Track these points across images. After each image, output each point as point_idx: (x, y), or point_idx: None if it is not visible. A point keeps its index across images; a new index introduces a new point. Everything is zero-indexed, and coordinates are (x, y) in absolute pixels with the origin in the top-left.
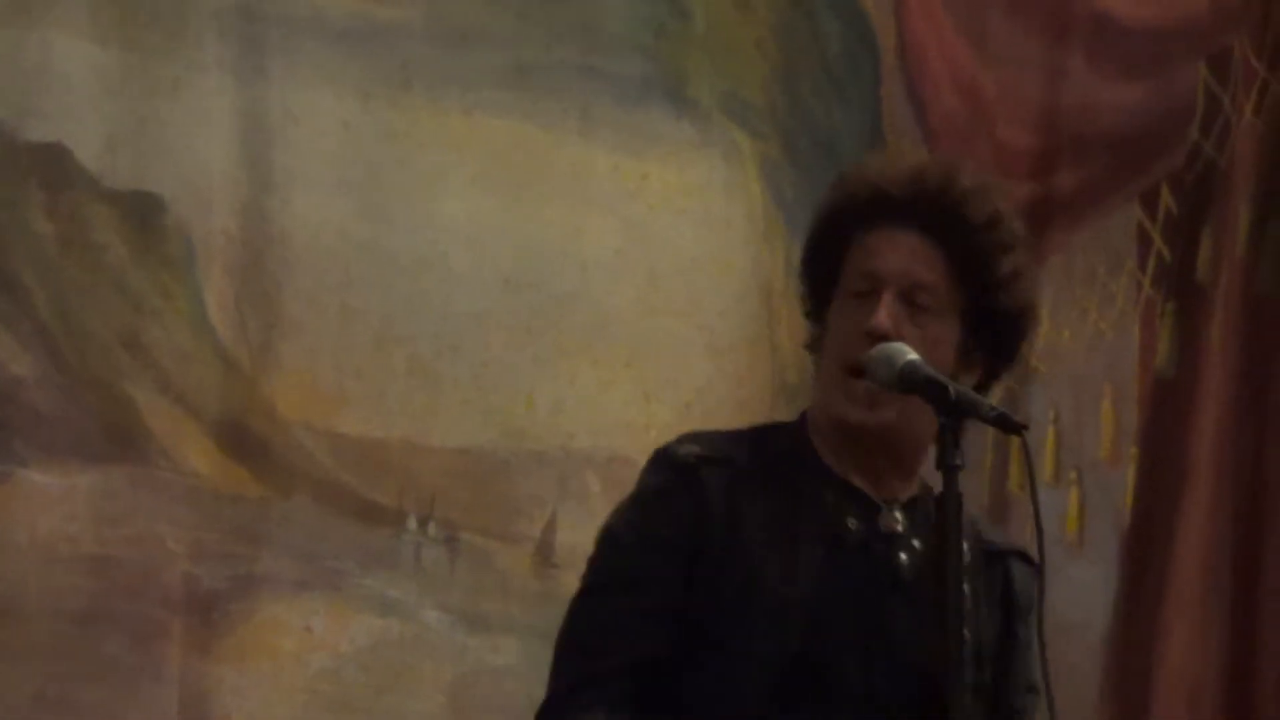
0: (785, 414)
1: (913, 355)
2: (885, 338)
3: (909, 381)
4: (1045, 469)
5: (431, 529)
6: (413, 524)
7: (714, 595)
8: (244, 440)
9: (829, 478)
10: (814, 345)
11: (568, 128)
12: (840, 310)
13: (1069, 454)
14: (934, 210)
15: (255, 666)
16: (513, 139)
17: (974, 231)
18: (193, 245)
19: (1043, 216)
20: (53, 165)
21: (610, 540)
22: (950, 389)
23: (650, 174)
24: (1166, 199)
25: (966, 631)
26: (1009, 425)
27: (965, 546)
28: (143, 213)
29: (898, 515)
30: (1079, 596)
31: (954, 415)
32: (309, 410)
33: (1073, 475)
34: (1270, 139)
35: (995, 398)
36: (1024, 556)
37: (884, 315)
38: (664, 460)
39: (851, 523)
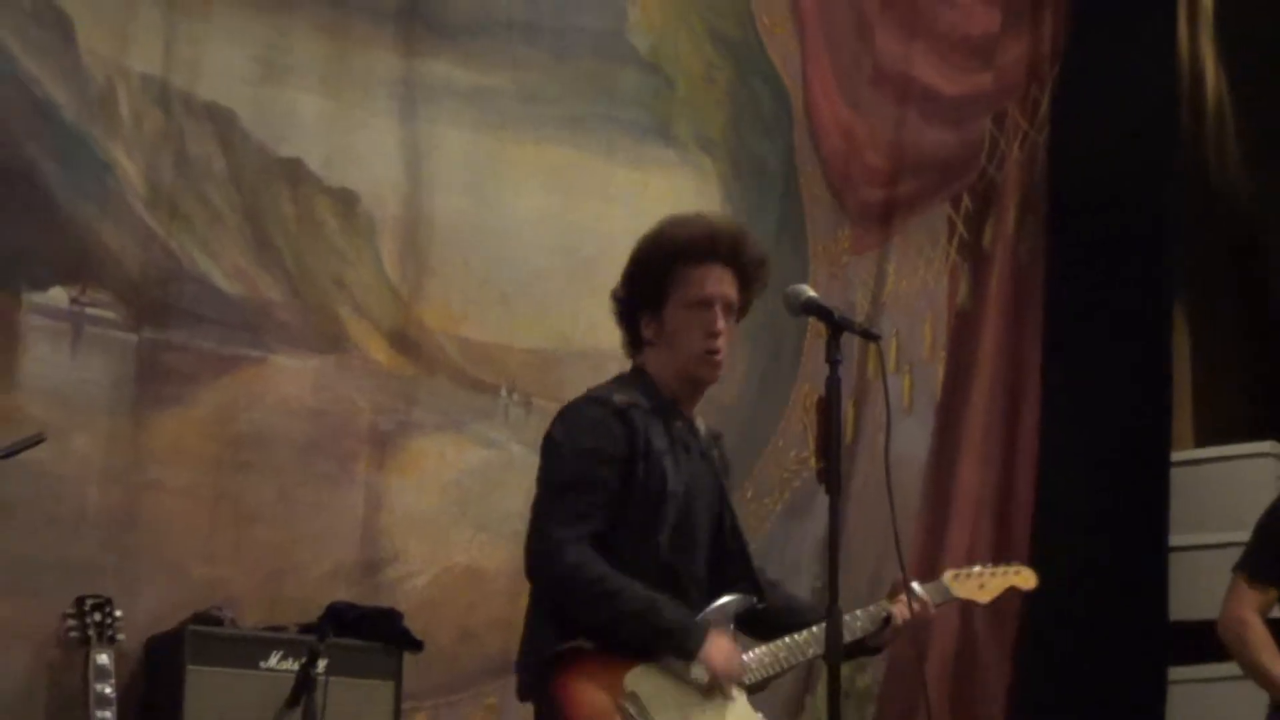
0: None
1: (811, 293)
2: (720, 335)
3: (809, 309)
4: (890, 363)
5: (515, 397)
6: (504, 393)
7: (642, 490)
8: (405, 341)
9: (674, 411)
10: (657, 334)
11: (599, 153)
12: (688, 316)
13: (904, 355)
14: (739, 254)
15: (410, 478)
16: (565, 161)
17: (754, 268)
18: (375, 223)
19: (890, 210)
20: (293, 171)
21: (576, 453)
22: (835, 313)
23: (649, 183)
24: (966, 201)
25: (726, 483)
26: (869, 336)
27: (703, 428)
28: (346, 202)
29: (698, 425)
30: (909, 443)
31: (836, 329)
32: (444, 323)
33: (907, 368)
34: (1029, 167)
35: (860, 319)
36: (723, 436)
37: (721, 323)
38: (606, 405)
39: (690, 441)
